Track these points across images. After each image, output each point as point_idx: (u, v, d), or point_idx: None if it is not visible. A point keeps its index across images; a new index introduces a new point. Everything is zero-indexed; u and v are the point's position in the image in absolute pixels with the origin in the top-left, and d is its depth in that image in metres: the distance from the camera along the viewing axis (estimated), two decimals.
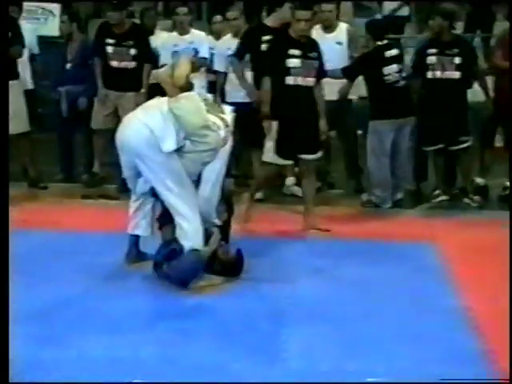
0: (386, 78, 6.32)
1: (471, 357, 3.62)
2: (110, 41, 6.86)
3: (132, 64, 6.85)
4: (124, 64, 6.86)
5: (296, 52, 5.66)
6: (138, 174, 4.64)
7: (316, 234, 5.63)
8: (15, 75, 6.86)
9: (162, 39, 7.26)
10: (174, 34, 7.19)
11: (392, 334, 3.88)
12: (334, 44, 6.75)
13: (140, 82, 6.83)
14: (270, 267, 4.79)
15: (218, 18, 7.52)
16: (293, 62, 5.65)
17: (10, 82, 6.76)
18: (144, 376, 3.38)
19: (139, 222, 4.79)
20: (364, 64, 6.41)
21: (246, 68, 6.66)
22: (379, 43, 6.42)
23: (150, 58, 6.94)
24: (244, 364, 3.52)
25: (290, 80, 5.66)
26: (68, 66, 7.17)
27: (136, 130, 4.47)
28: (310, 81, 5.69)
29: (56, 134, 7.44)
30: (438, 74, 6.44)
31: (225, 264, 4.62)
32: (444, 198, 6.64)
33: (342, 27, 6.93)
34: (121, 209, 5.10)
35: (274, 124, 5.65)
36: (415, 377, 3.40)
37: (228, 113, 4.74)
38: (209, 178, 4.64)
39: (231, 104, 6.49)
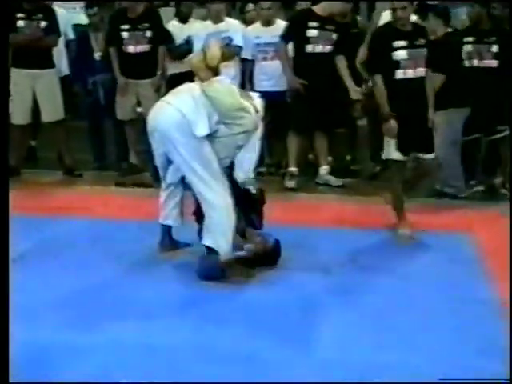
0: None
1: (506, 350, 3.58)
2: (125, 26, 6.87)
3: (147, 47, 6.83)
4: (140, 48, 6.84)
5: (402, 43, 5.25)
6: (170, 162, 4.64)
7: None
8: (51, 64, 6.92)
9: (196, 28, 7.24)
10: (208, 22, 7.17)
11: (426, 325, 3.85)
12: None
13: (156, 66, 6.85)
14: (304, 256, 4.77)
15: (251, 6, 7.53)
16: (400, 55, 5.24)
17: (47, 71, 6.86)
18: (176, 363, 3.40)
19: (170, 212, 4.80)
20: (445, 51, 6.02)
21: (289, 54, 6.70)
22: (450, 30, 6.29)
23: (164, 39, 6.95)
24: (275, 353, 3.52)
25: (399, 74, 5.25)
26: (96, 55, 7.19)
27: (168, 115, 4.46)
28: (420, 71, 5.30)
29: (87, 123, 7.50)
30: (475, 62, 6.36)
31: (262, 255, 4.61)
32: (480, 188, 6.56)
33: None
34: (154, 197, 5.11)
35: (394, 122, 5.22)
36: (448, 369, 3.37)
37: (257, 99, 4.72)
38: (241, 165, 4.63)
39: (261, 93, 6.63)
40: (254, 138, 4.61)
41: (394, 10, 5.33)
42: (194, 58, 4.60)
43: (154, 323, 3.83)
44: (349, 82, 6.60)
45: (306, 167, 7.18)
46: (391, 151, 5.25)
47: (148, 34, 6.85)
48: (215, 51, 4.49)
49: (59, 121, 7.00)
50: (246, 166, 4.66)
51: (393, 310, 4.02)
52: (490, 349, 3.57)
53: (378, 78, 5.25)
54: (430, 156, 5.41)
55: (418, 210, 5.90)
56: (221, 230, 4.42)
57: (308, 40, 6.57)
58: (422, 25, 5.80)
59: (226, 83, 4.53)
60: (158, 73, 6.89)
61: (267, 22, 7.04)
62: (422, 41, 5.33)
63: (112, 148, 7.48)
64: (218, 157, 4.47)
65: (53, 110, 6.94)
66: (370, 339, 3.68)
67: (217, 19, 7.09)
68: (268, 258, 4.64)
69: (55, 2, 7.56)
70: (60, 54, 7.29)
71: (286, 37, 6.69)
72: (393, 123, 5.17)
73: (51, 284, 4.27)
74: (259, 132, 4.65)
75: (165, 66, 7.03)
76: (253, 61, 7.06)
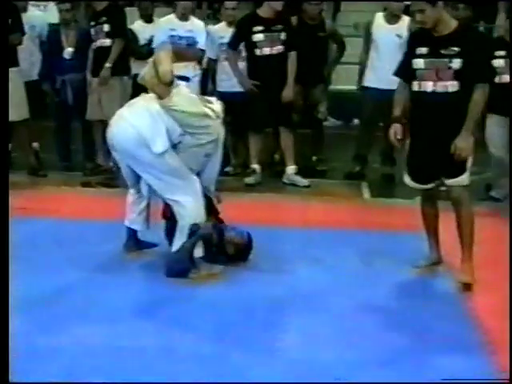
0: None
1: (468, 347, 3.62)
2: (92, 22, 6.86)
3: (106, 41, 6.77)
4: (100, 42, 6.79)
5: (423, 50, 4.40)
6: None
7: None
8: (15, 63, 6.82)
9: (160, 21, 7.18)
10: (173, 17, 7.10)
11: (390, 324, 3.87)
12: (394, 36, 6.78)
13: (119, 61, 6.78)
14: (269, 256, 4.77)
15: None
16: (417, 63, 4.41)
17: (10, 69, 6.75)
18: (142, 364, 3.37)
19: (136, 216, 4.77)
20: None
21: (239, 57, 6.73)
22: None
23: (121, 33, 6.83)
24: (242, 354, 3.52)
25: (415, 86, 4.42)
26: (65, 53, 7.11)
27: (123, 131, 4.42)
28: (442, 85, 4.31)
29: (54, 122, 7.42)
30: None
31: (238, 247, 4.64)
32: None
33: (405, 20, 6.86)
34: (120, 197, 5.08)
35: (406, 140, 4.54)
36: (413, 367, 3.40)
37: (216, 103, 4.68)
38: (207, 175, 4.66)
39: (222, 93, 6.71)
40: (220, 145, 4.61)
41: (412, 13, 4.85)
42: (147, 75, 4.42)
43: (119, 325, 3.80)
44: (289, 81, 6.67)
45: (271, 167, 7.21)
46: (404, 176, 4.65)
47: (105, 27, 6.77)
48: (167, 65, 4.34)
49: (23, 120, 6.91)
50: (212, 175, 4.68)
51: (358, 311, 4.03)
52: (452, 346, 3.61)
53: (399, 84, 4.58)
54: (458, 180, 4.42)
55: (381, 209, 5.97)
56: (193, 210, 4.42)
57: (255, 44, 6.63)
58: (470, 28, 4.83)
59: (184, 93, 4.44)
60: (106, 65, 6.73)
61: (231, 23, 7.05)
62: (454, 49, 4.27)
63: (78, 148, 7.42)
64: (187, 165, 4.46)
65: (17, 110, 6.83)
66: (336, 339, 3.68)
67: (182, 17, 7.05)
68: (244, 252, 4.68)
69: (30, 2, 7.48)
70: (33, 56, 7.21)
71: (232, 44, 6.78)
72: (395, 127, 4.46)
73: (15, 286, 4.20)
74: (222, 137, 4.63)
75: (116, 58, 6.77)
76: (216, 60, 7.06)
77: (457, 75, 4.25)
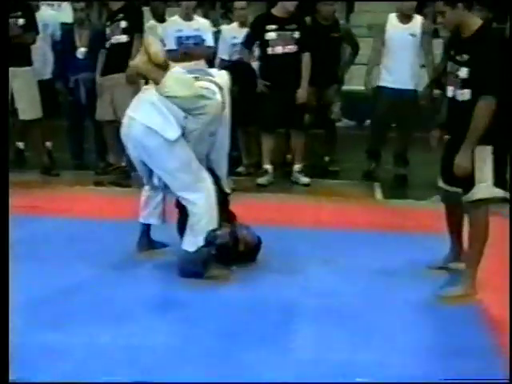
0: None
1: (481, 351, 3.59)
2: (108, 22, 6.83)
3: (122, 38, 6.70)
4: (116, 38, 6.73)
5: (451, 52, 4.27)
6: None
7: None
8: (28, 62, 6.84)
9: (166, 25, 7.18)
10: (178, 18, 7.10)
11: (404, 326, 3.84)
12: (408, 35, 6.81)
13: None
14: (281, 257, 4.76)
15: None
16: (448, 65, 4.28)
17: (23, 69, 6.78)
18: (153, 363, 3.36)
19: (152, 211, 4.76)
20: None
21: (253, 57, 6.75)
22: None
23: (140, 29, 6.74)
24: (253, 354, 3.50)
25: (448, 91, 4.26)
26: (78, 53, 7.12)
27: (135, 132, 4.43)
28: (457, 93, 4.17)
29: (66, 122, 7.44)
30: None
31: (249, 246, 4.64)
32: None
33: (417, 19, 6.92)
34: (132, 196, 5.09)
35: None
36: (426, 369, 3.38)
37: (220, 75, 4.62)
38: (218, 165, 4.63)
39: None
40: (225, 122, 4.54)
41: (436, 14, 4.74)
42: (140, 62, 4.40)
43: (130, 324, 3.79)
44: (303, 83, 6.68)
45: (283, 167, 7.20)
46: (487, 186, 4.14)
47: (122, 24, 6.71)
48: (155, 46, 4.34)
49: (36, 119, 6.93)
50: (222, 155, 4.63)
51: (371, 311, 4.01)
52: (465, 349, 3.58)
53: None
54: (467, 196, 4.18)
55: (396, 210, 5.95)
56: (202, 229, 4.39)
57: (267, 43, 6.65)
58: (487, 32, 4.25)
59: (177, 74, 4.37)
60: (132, 62, 6.65)
61: (243, 23, 7.07)
62: (464, 57, 4.11)
63: (91, 147, 7.43)
64: (196, 151, 4.42)
65: (29, 109, 6.87)
66: (347, 340, 3.66)
67: (187, 16, 7.06)
68: (253, 252, 4.68)
69: (42, 2, 7.50)
70: (46, 56, 7.23)
71: (246, 43, 6.83)
72: (434, 133, 4.39)
73: (28, 283, 4.21)
74: (226, 112, 4.52)
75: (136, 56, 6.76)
76: (229, 61, 7.06)
77: (464, 84, 4.10)
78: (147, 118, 4.38)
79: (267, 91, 6.64)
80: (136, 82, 6.50)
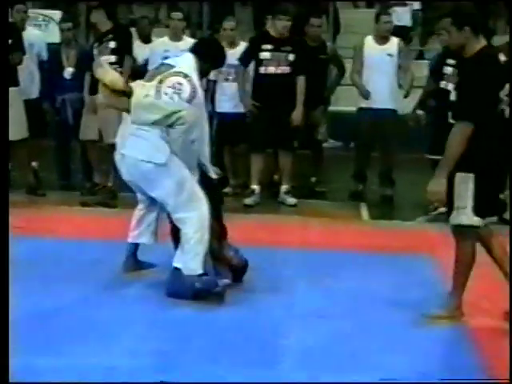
0: None
1: (468, 370, 3.59)
2: (96, 43, 6.87)
3: (112, 58, 6.71)
4: (104, 58, 6.68)
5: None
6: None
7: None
8: (15, 82, 6.85)
9: (154, 43, 7.21)
10: (166, 39, 7.14)
11: (389, 347, 3.84)
12: (386, 56, 6.96)
13: None
14: (268, 278, 4.76)
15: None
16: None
17: (10, 89, 6.77)
18: None
19: (144, 229, 4.74)
20: None
21: (247, 76, 6.78)
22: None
23: (129, 50, 6.80)
24: (241, 375, 3.48)
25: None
26: (66, 73, 7.13)
27: (127, 165, 4.52)
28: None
29: (53, 142, 7.44)
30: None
31: (237, 269, 4.65)
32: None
33: (394, 40, 7.10)
34: (119, 217, 5.09)
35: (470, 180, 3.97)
36: None
37: (184, 60, 4.59)
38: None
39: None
40: (201, 125, 4.55)
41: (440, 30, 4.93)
42: (102, 98, 4.57)
43: (116, 345, 3.77)
44: (298, 105, 6.74)
45: (271, 188, 7.22)
46: (464, 216, 4.00)
47: (112, 44, 6.75)
48: (109, 74, 4.45)
49: (22, 139, 6.92)
50: (205, 150, 4.63)
51: (356, 332, 4.01)
52: (453, 369, 3.59)
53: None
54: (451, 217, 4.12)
55: (378, 230, 5.97)
56: (194, 250, 4.38)
57: (261, 62, 6.70)
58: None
59: (141, 101, 4.40)
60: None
61: (230, 44, 7.11)
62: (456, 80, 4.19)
63: (77, 167, 7.43)
64: (186, 162, 4.45)
65: (16, 129, 6.84)
66: (334, 360, 3.66)
67: (175, 37, 7.10)
68: (238, 274, 4.69)
69: (28, 22, 7.52)
70: (32, 75, 7.23)
71: (242, 60, 6.88)
72: (442, 183, 3.95)
73: (12, 305, 4.18)
74: (200, 96, 4.49)
75: (128, 76, 6.75)
76: (215, 81, 7.10)
77: (452, 107, 4.09)
78: (134, 151, 4.45)
79: (256, 111, 6.67)
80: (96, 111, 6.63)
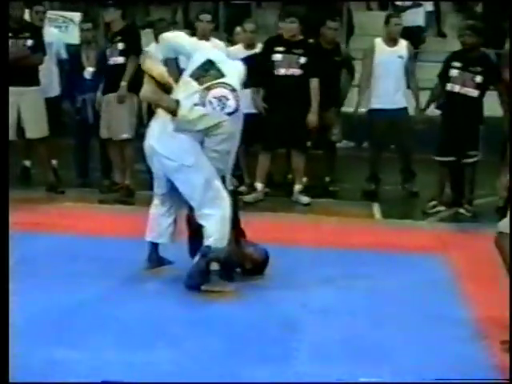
0: None
1: (480, 368, 3.60)
2: (109, 43, 6.93)
3: (119, 59, 6.81)
4: (113, 60, 6.84)
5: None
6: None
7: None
8: (36, 82, 6.90)
9: None
10: (194, 39, 7.21)
11: (401, 342, 3.85)
12: (396, 58, 6.98)
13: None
14: (282, 275, 4.77)
15: (239, 29, 7.60)
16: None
17: (31, 88, 6.84)
18: (154, 379, 3.36)
19: (163, 231, 4.74)
20: None
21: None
22: None
23: (135, 51, 6.79)
24: (255, 370, 3.50)
25: None
26: (86, 73, 7.18)
27: (157, 159, 4.51)
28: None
29: (73, 140, 7.48)
30: (457, 88, 6.48)
31: (255, 262, 4.70)
32: (441, 208, 6.67)
33: (402, 42, 7.13)
34: (136, 214, 5.11)
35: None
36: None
37: (234, 68, 4.58)
38: None
39: None
40: (239, 122, 4.56)
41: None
42: (147, 93, 4.49)
43: (133, 339, 3.80)
44: (313, 107, 6.77)
45: (285, 187, 7.23)
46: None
47: (120, 46, 6.83)
48: (157, 67, 4.43)
49: (43, 138, 6.97)
50: (230, 164, 4.66)
51: (368, 328, 4.02)
52: (463, 367, 3.59)
53: None
54: None
55: (389, 228, 5.98)
56: (218, 230, 4.43)
57: (273, 64, 6.75)
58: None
59: (186, 115, 4.39)
60: (122, 83, 6.77)
61: (249, 45, 7.14)
62: None
63: (96, 165, 7.47)
64: (217, 168, 4.49)
65: (36, 127, 6.92)
66: (346, 355, 3.68)
67: (203, 38, 7.16)
68: (260, 267, 4.73)
69: (48, 23, 7.57)
70: (51, 74, 7.28)
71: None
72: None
73: (34, 300, 4.23)
74: (237, 132, 4.55)
75: (131, 76, 6.75)
76: None
77: None
78: (166, 149, 4.46)
79: (265, 113, 6.72)
80: (124, 102, 6.70)
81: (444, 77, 6.62)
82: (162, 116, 4.55)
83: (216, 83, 4.45)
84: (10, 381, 2.77)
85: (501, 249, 3.90)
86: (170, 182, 4.61)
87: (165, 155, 4.47)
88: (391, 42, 7.08)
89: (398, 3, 10.58)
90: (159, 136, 4.55)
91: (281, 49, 6.78)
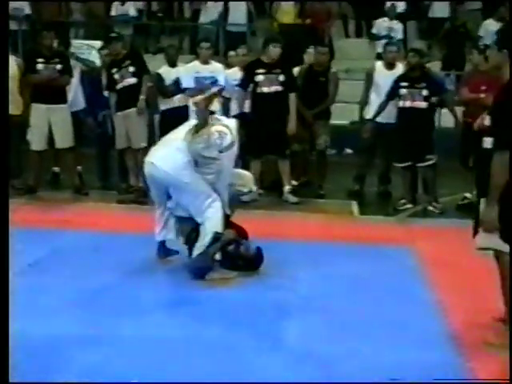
0: None
1: (440, 339, 3.63)
2: (115, 69, 6.91)
3: (132, 80, 6.84)
4: (127, 81, 6.84)
5: None
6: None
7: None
8: (64, 100, 6.92)
9: (186, 68, 7.32)
10: (197, 62, 7.28)
11: (376, 322, 3.86)
12: (392, 79, 6.89)
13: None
14: (273, 265, 4.78)
15: (232, 53, 7.67)
16: None
17: (60, 106, 6.86)
18: (167, 353, 3.38)
19: (170, 228, 4.77)
20: None
21: (247, 96, 6.82)
22: None
23: (146, 71, 6.96)
24: (250, 346, 3.53)
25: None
26: (105, 92, 7.18)
27: (158, 175, 4.57)
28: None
29: (95, 149, 7.49)
30: (408, 103, 6.54)
31: (247, 259, 4.67)
32: (409, 206, 6.71)
33: (399, 66, 7.13)
34: (149, 213, 5.11)
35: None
36: (393, 357, 3.39)
37: (231, 122, 4.79)
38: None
39: None
40: (231, 158, 4.66)
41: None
42: (201, 100, 4.65)
43: (148, 319, 3.81)
44: (291, 117, 6.81)
45: (277, 188, 7.22)
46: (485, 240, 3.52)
47: (130, 69, 6.85)
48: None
49: (70, 148, 6.98)
50: (225, 192, 4.71)
51: (349, 309, 4.04)
52: (430, 341, 3.61)
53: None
54: None
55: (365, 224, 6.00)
56: (207, 233, 4.48)
57: (257, 84, 6.81)
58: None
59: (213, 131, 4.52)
60: (141, 97, 6.82)
61: (243, 68, 7.17)
62: None
63: (114, 171, 7.46)
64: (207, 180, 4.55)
65: (65, 138, 6.93)
66: (330, 334, 3.69)
67: (204, 61, 7.22)
68: (252, 262, 4.69)
69: (74, 51, 7.59)
70: (75, 89, 7.26)
71: (241, 84, 6.95)
72: (494, 210, 3.28)
73: (61, 285, 4.25)
74: (235, 149, 4.66)
75: (147, 92, 6.90)
76: (229, 99, 7.15)
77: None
78: (166, 165, 4.51)
79: (253, 125, 6.71)
80: (142, 114, 6.83)
81: (391, 95, 6.69)
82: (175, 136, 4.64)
83: (219, 122, 4.66)
84: (10, 381, 2.68)
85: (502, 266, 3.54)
86: (166, 194, 4.67)
87: (163, 168, 4.52)
88: (389, 65, 7.12)
89: (373, 31, 10.66)
90: (163, 153, 4.61)
91: (261, 70, 6.82)
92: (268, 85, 6.81)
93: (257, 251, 4.71)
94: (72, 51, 7.48)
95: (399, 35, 10.46)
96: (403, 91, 6.60)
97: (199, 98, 4.71)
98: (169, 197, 4.70)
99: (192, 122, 4.80)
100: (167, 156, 4.56)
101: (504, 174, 3.21)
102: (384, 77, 7.04)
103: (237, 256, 4.65)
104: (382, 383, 3.06)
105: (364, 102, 7.19)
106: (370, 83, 7.14)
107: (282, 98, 6.79)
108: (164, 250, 4.87)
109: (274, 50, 6.84)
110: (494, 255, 3.62)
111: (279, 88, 6.81)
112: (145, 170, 4.74)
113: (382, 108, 6.84)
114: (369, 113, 7.09)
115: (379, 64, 7.26)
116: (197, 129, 4.53)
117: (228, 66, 7.54)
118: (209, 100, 4.70)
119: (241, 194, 5.14)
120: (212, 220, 4.49)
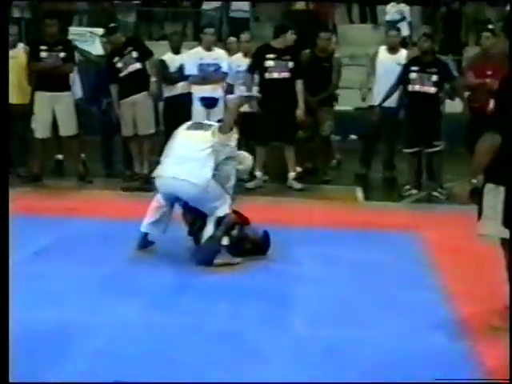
0: None
1: (446, 324, 3.61)
2: (116, 58, 6.85)
3: (137, 65, 6.80)
4: (132, 67, 6.80)
5: None
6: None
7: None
8: (68, 87, 6.90)
9: (190, 54, 7.28)
10: (200, 49, 7.24)
11: (382, 307, 3.85)
12: (395, 64, 6.93)
13: (147, 80, 6.80)
14: (279, 251, 4.77)
15: (232, 39, 7.68)
16: None
17: (64, 93, 6.84)
18: (171, 338, 3.37)
19: (157, 221, 4.70)
20: None
21: (254, 82, 6.78)
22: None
23: (150, 55, 6.91)
24: (257, 331, 3.51)
25: None
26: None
27: (178, 187, 4.52)
28: None
29: (100, 137, 7.47)
30: (417, 87, 6.46)
31: (255, 242, 4.67)
32: (414, 191, 6.68)
33: (402, 51, 7.14)
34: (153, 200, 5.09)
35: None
36: (399, 342, 3.38)
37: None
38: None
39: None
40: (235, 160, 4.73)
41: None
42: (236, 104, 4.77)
43: (152, 305, 3.81)
44: (300, 103, 6.76)
45: (283, 176, 7.20)
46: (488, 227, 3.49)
47: (134, 54, 6.81)
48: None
49: (74, 135, 6.97)
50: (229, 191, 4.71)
51: (354, 295, 4.02)
52: (436, 326, 3.59)
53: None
54: None
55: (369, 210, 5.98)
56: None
57: (266, 69, 6.74)
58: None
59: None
60: (153, 79, 6.82)
61: (246, 54, 7.17)
62: None
63: (119, 158, 7.45)
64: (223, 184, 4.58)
65: (68, 126, 6.91)
66: (335, 319, 3.68)
67: (207, 48, 7.18)
68: (259, 246, 4.69)
69: (79, 38, 7.56)
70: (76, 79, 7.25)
71: (250, 68, 6.90)
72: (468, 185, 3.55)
73: (67, 272, 4.24)
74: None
75: (156, 74, 6.91)
76: (233, 85, 7.12)
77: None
78: (183, 173, 4.47)
79: (260, 112, 6.69)
80: (156, 97, 6.88)
81: (402, 79, 6.61)
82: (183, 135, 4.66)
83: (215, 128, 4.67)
84: (10, 381, 2.65)
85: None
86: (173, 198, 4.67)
87: (181, 177, 4.46)
88: (392, 50, 7.09)
89: (387, 19, 10.56)
90: (181, 163, 4.54)
91: (272, 56, 6.78)
92: (278, 71, 6.77)
93: (264, 234, 4.71)
94: (70, 39, 7.45)
95: (409, 18, 10.48)
96: (413, 75, 6.52)
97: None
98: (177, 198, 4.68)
99: (187, 123, 4.80)
100: (194, 170, 4.47)
101: (488, 155, 3.34)
102: (387, 62, 7.01)
103: (244, 238, 4.63)
104: (382, 383, 3.03)
105: (365, 86, 7.14)
106: (373, 68, 7.11)
107: (290, 85, 6.75)
108: (144, 242, 4.77)
109: (292, 37, 6.79)
110: (500, 241, 3.60)
111: (287, 74, 6.77)
112: (166, 187, 4.62)
113: (391, 92, 6.76)
114: (370, 97, 7.05)
115: (382, 49, 7.23)
116: (224, 129, 4.55)
117: (228, 51, 7.49)
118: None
119: (241, 180, 5.15)
120: (219, 211, 4.52)
